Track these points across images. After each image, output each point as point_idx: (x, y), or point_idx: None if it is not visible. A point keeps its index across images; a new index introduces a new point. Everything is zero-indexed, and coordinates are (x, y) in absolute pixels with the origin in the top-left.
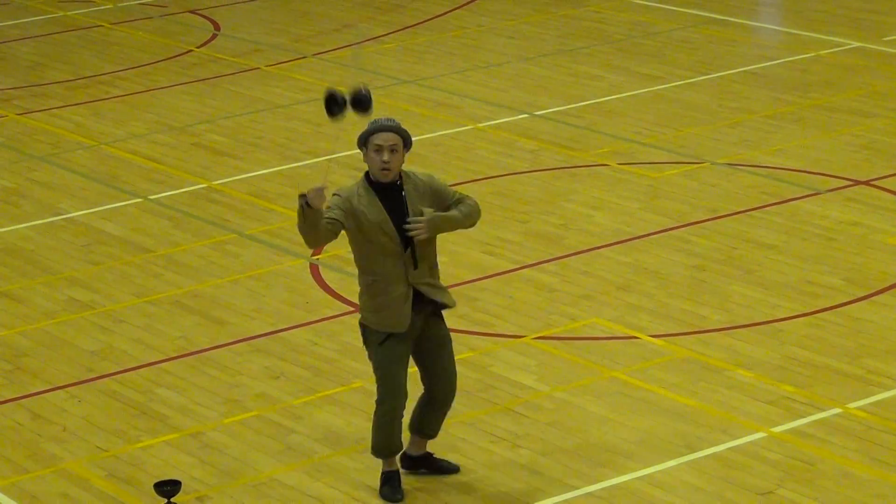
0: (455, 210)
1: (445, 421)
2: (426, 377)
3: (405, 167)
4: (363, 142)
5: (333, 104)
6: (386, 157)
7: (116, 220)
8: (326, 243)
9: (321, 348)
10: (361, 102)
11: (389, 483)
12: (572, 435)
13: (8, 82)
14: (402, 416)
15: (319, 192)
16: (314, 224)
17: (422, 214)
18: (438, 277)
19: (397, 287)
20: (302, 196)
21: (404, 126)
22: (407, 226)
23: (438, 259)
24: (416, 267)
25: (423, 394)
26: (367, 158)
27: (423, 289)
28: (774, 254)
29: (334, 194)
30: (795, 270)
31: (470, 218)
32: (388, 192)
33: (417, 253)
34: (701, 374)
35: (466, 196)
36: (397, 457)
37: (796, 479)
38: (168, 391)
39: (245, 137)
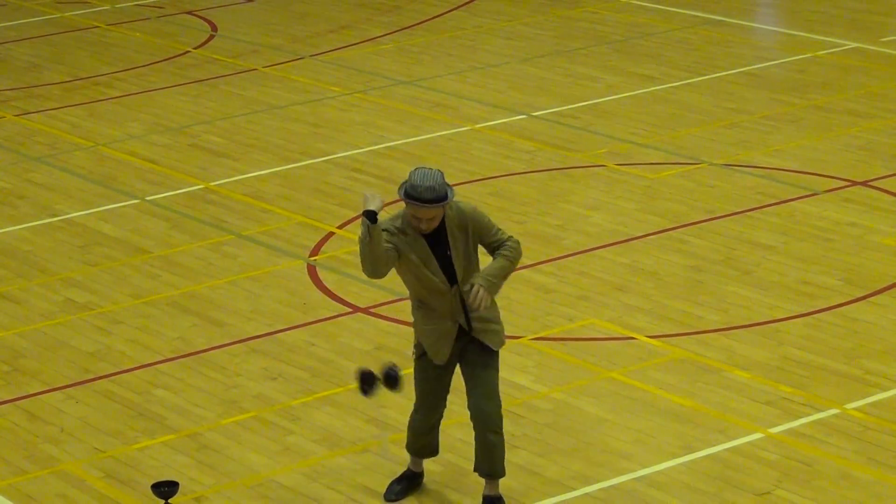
0: (501, 257)
1: (443, 422)
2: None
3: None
4: (403, 198)
5: (366, 384)
6: (424, 226)
7: (114, 221)
8: (387, 271)
9: (319, 349)
10: (392, 380)
11: (397, 481)
12: (570, 436)
13: (5, 83)
14: (430, 428)
15: (374, 197)
16: (378, 242)
17: (464, 251)
18: (494, 309)
19: (444, 322)
20: (366, 214)
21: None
22: (469, 302)
23: None
24: (464, 305)
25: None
26: (406, 207)
27: (471, 324)
28: (772, 254)
29: (387, 221)
30: (793, 271)
31: (516, 262)
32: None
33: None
34: (698, 375)
35: (508, 236)
36: (422, 461)
37: (794, 479)
38: (165, 392)
39: (242, 138)
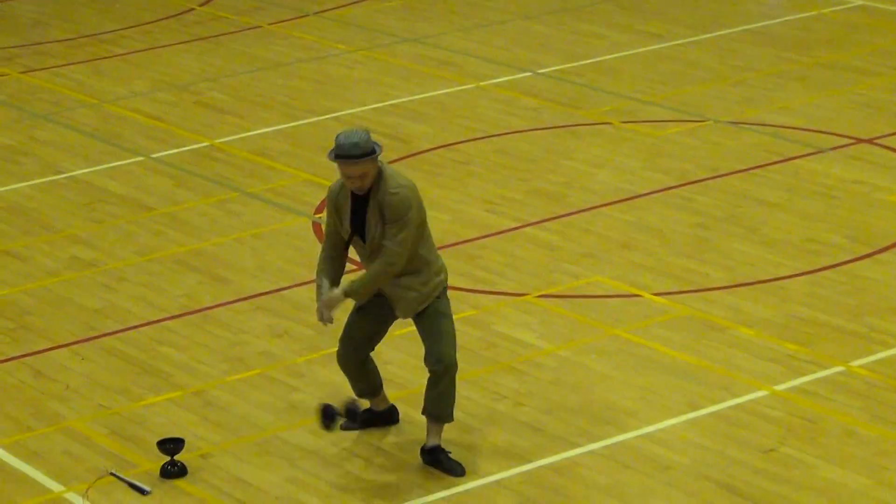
0: (361, 274)
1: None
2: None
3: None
4: (333, 159)
5: (327, 418)
6: (357, 184)
7: (119, 179)
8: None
9: None
10: (353, 414)
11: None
12: (575, 393)
13: (9, 41)
14: (345, 363)
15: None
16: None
17: (375, 228)
18: (414, 275)
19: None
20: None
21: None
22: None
23: (441, 218)
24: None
25: None
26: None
27: (385, 290)
28: (777, 212)
29: (329, 189)
30: (798, 229)
31: (374, 281)
32: (361, 196)
33: (370, 257)
34: (703, 332)
35: (388, 247)
36: (366, 402)
37: (798, 436)
38: (171, 349)
39: (247, 96)
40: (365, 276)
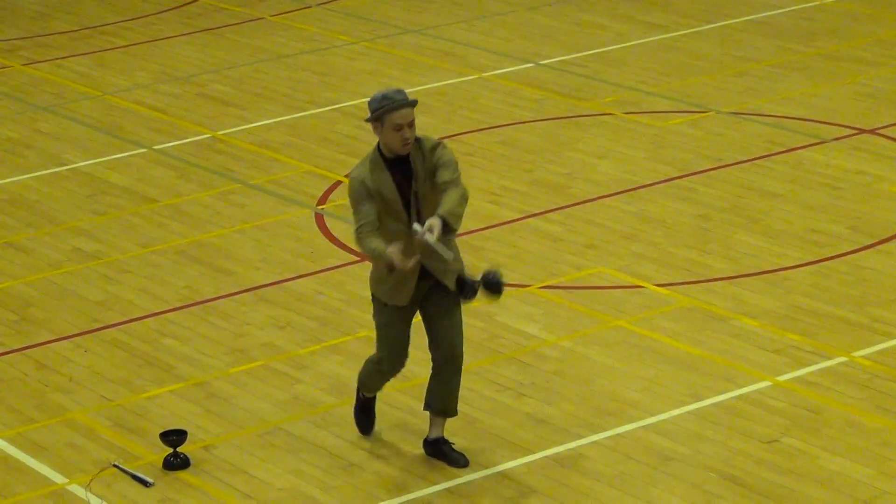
0: (448, 200)
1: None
2: (430, 342)
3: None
4: (378, 119)
5: (467, 290)
6: (407, 133)
7: (121, 171)
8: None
9: (327, 298)
10: (492, 286)
11: (364, 413)
12: (578, 384)
13: (12, 33)
14: (393, 374)
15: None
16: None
17: (425, 184)
18: (452, 248)
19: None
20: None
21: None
22: (420, 237)
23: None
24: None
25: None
26: (381, 133)
27: (429, 265)
28: (780, 203)
29: (350, 182)
30: (801, 219)
31: (461, 201)
32: (399, 164)
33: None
34: (706, 323)
35: (454, 178)
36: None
37: (801, 427)
38: (174, 341)
39: (250, 87)
40: (452, 198)
